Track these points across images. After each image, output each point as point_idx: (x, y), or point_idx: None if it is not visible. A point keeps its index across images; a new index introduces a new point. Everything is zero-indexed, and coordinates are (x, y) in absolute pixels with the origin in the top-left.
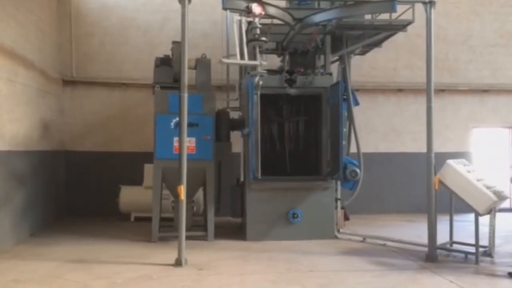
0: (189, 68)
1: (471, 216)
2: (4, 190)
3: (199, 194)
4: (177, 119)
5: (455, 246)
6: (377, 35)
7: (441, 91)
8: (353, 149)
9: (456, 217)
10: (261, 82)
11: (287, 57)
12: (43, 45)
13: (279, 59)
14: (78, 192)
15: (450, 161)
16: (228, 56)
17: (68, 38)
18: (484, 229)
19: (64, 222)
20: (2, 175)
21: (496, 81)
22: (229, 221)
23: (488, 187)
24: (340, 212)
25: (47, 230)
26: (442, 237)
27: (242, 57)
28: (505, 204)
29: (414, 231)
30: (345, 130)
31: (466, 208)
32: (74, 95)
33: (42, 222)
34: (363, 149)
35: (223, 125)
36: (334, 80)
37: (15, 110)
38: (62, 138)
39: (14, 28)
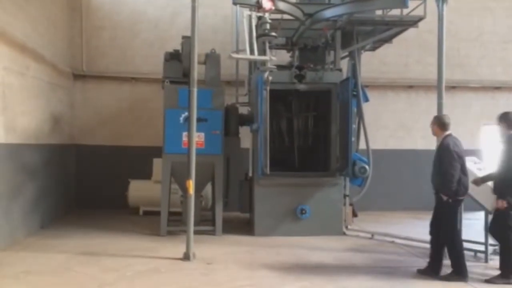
0: (199, 63)
1: (481, 214)
2: (15, 182)
3: (208, 188)
4: (186, 113)
5: (465, 244)
6: (388, 31)
7: (452, 87)
8: (362, 145)
9: (465, 215)
10: (270, 78)
11: (296, 53)
12: (54, 39)
13: (288, 54)
14: (87, 185)
15: None
16: (237, 51)
17: (79, 32)
18: None
19: (74, 215)
20: (13, 167)
21: (508, 78)
22: (237, 216)
23: None
24: (348, 209)
25: (57, 222)
26: None
27: (251, 52)
28: None
29: (423, 229)
30: (354, 126)
31: (475, 206)
32: (85, 89)
33: (52, 215)
34: (372, 146)
35: (232, 120)
36: (344, 76)
37: (26, 103)
38: (72, 131)
39: (25, 21)
